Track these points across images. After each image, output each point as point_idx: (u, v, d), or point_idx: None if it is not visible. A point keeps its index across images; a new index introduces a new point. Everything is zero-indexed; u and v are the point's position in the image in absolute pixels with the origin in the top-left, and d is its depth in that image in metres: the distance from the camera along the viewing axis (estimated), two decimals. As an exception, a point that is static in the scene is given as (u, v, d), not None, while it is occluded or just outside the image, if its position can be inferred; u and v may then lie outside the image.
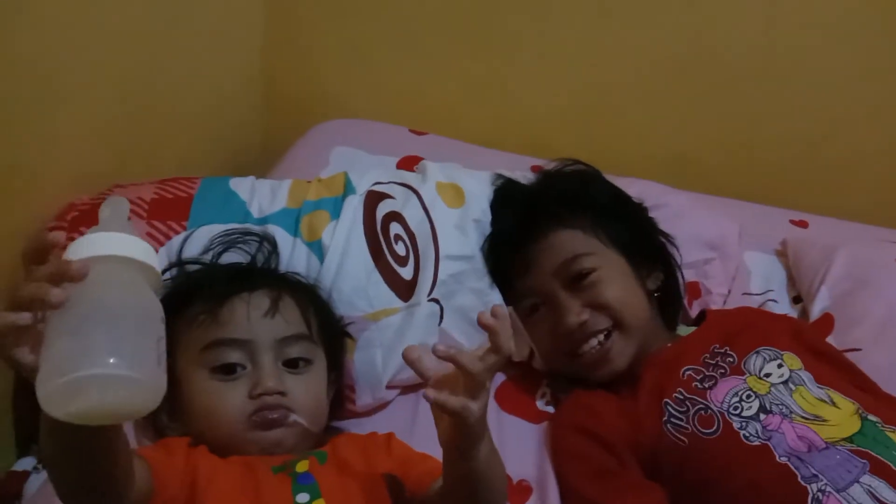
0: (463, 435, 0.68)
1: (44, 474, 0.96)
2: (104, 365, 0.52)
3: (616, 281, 1.02)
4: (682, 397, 0.95)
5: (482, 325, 0.67)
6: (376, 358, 1.00)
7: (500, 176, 1.17)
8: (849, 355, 1.07)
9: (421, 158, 1.27)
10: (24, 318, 0.55)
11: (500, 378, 1.10)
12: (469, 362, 0.66)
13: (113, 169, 1.14)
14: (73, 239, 0.96)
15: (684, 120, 1.55)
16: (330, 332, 0.94)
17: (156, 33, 1.22)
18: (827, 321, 1.16)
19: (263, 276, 0.94)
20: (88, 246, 0.57)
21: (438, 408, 0.66)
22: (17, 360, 0.55)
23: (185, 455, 0.79)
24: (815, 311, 1.19)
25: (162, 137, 1.29)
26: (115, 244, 0.58)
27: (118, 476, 0.65)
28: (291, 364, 0.86)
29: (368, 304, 1.00)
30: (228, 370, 0.83)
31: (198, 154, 1.40)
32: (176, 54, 1.28)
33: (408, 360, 0.69)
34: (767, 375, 0.96)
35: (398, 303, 1.01)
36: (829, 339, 1.13)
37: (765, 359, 0.98)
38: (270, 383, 0.82)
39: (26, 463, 1.03)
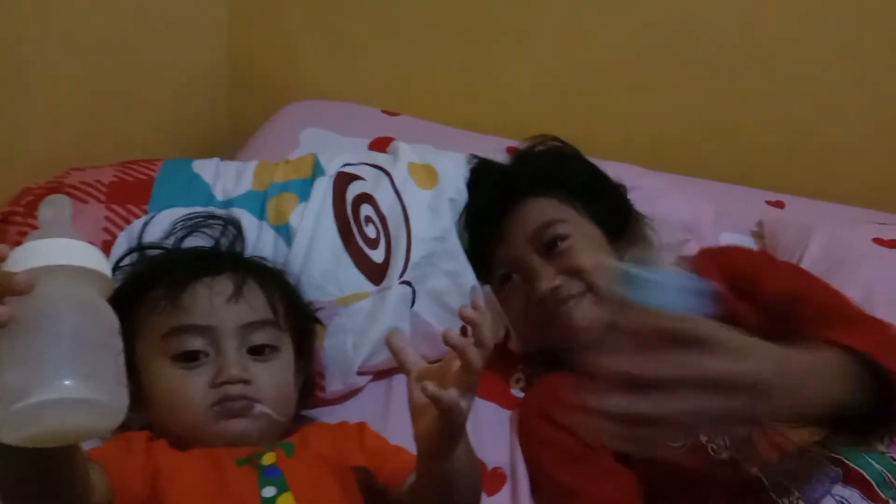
0: (444, 435, 0.66)
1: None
2: (59, 388, 0.48)
3: (590, 248, 1.00)
4: None
5: (465, 319, 0.64)
6: (347, 343, 0.97)
7: (474, 157, 1.15)
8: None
9: (393, 139, 1.24)
10: None
11: (473, 363, 1.08)
12: (474, 357, 0.63)
13: (75, 153, 1.11)
14: (27, 226, 0.95)
15: (665, 103, 1.54)
16: (297, 318, 0.90)
17: (120, 12, 1.18)
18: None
19: (227, 260, 0.91)
20: (33, 255, 0.52)
21: (434, 402, 0.63)
22: None
23: (145, 450, 0.76)
24: (792, 293, 1.18)
25: (126, 120, 1.26)
26: (63, 252, 0.53)
27: (76, 490, 0.62)
28: (256, 351, 0.83)
29: (339, 289, 0.97)
30: (190, 357, 0.80)
31: (164, 137, 1.36)
32: (141, 33, 1.24)
33: (392, 347, 0.66)
34: None
35: (369, 287, 0.99)
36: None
37: None
38: (234, 371, 0.79)
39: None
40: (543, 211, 1.02)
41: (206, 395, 0.79)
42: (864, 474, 0.81)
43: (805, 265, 1.19)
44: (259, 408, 0.79)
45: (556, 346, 1.01)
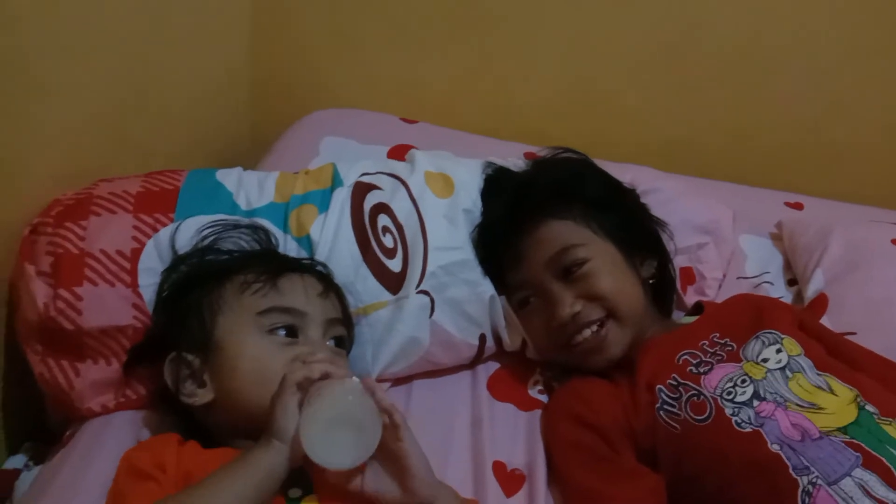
0: None
1: (34, 472, 0.96)
2: None
3: (608, 271, 1.01)
4: (675, 383, 0.94)
5: None
6: (367, 353, 0.99)
7: (490, 164, 1.15)
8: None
9: (412, 147, 1.25)
10: None
11: (493, 366, 1.09)
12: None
13: (100, 164, 1.13)
14: (57, 237, 0.97)
15: (678, 105, 1.54)
16: (350, 324, 0.97)
17: (143, 24, 1.20)
18: (821, 301, 1.15)
19: (308, 263, 0.98)
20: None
21: None
22: None
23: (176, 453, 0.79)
24: (810, 294, 1.18)
25: (149, 129, 1.28)
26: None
27: None
28: (338, 343, 0.91)
29: (358, 299, 0.99)
30: (289, 333, 0.86)
31: (187, 146, 1.39)
32: (163, 44, 1.26)
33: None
34: (765, 360, 0.95)
35: (387, 296, 1.01)
36: (823, 321, 1.12)
37: (763, 343, 0.97)
38: (325, 355, 0.85)
39: (17, 461, 1.03)
40: (560, 235, 1.02)
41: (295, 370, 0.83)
42: (884, 461, 0.83)
43: (824, 267, 1.19)
44: None
45: (577, 363, 1.03)
